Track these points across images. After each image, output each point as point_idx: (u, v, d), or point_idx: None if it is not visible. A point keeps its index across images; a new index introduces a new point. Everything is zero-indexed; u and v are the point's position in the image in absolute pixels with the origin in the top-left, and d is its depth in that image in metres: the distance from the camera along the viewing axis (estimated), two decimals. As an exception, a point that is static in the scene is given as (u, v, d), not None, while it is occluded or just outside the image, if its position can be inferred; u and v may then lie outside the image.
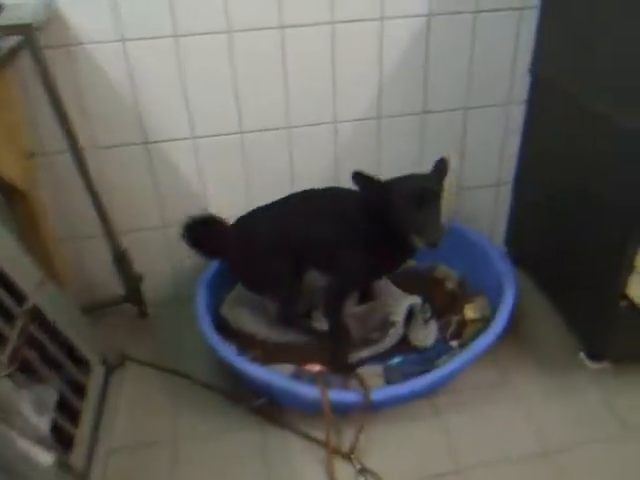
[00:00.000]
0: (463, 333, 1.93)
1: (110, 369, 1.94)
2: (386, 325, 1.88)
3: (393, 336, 1.86)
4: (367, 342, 1.90)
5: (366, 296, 2.06)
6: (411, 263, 2.26)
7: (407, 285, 2.11)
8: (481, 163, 2.29)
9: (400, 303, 1.91)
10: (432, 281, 2.19)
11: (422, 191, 1.50)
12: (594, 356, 1.93)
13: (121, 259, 1.99)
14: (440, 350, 1.87)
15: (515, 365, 1.95)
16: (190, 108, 1.93)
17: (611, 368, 1.91)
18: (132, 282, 2.06)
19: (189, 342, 2.04)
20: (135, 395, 1.92)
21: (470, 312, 2.00)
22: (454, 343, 1.89)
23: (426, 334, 1.89)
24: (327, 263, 1.83)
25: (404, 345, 1.89)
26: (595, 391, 1.86)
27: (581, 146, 1.80)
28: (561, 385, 1.89)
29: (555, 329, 2.09)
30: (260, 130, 2.02)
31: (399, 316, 1.87)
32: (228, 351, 1.74)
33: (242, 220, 1.89)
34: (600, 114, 1.61)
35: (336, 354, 1.84)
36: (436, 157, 1.66)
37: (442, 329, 1.93)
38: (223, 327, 1.96)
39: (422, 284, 2.16)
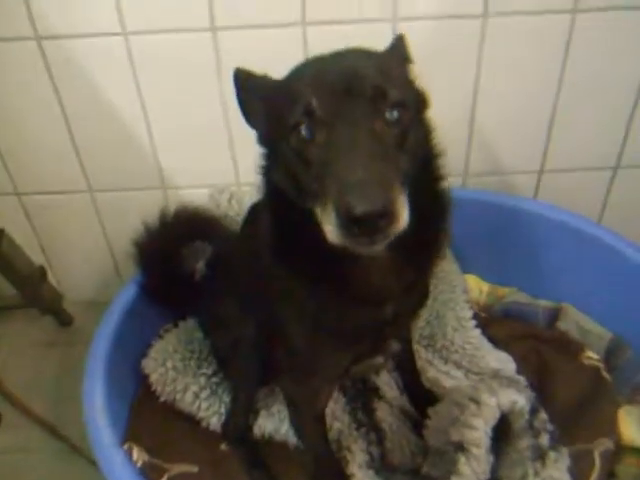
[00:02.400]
0: (614, 474, 0.92)
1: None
2: (449, 453, 0.89)
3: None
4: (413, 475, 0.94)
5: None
6: (512, 295, 1.26)
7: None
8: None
9: (482, 407, 0.89)
10: (555, 344, 1.15)
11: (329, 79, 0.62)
12: None
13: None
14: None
15: None
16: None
17: None
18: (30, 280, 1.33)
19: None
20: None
21: (629, 427, 0.97)
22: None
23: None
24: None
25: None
26: None
27: None
28: None
29: None
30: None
31: (478, 437, 0.87)
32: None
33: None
34: None
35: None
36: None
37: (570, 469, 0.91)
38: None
39: (533, 350, 1.14)
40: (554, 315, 1.20)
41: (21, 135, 1.25)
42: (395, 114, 0.60)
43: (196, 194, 1.31)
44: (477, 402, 0.87)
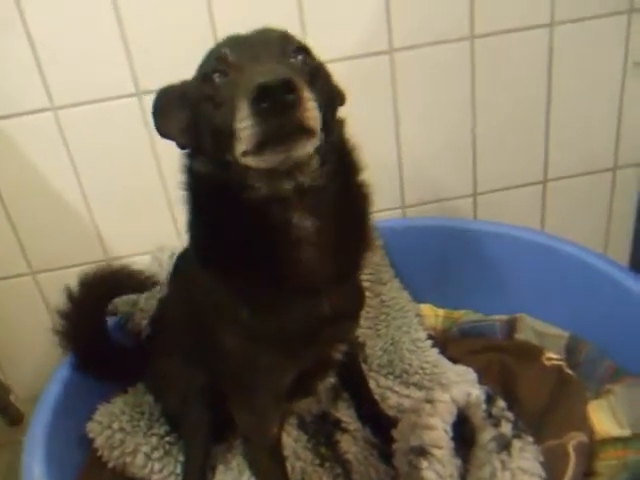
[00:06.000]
0: (595, 472, 0.87)
1: None
2: (412, 460, 0.84)
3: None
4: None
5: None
6: (468, 315, 1.25)
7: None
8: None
9: (437, 404, 0.85)
10: (515, 352, 1.12)
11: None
12: None
13: None
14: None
15: None
16: None
17: None
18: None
19: None
20: None
21: (602, 420, 0.93)
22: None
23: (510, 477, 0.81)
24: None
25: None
26: None
27: None
28: None
29: None
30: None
31: (438, 437, 0.82)
32: None
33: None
34: None
35: None
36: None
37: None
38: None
39: (494, 360, 1.12)
40: (511, 327, 1.18)
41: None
42: (300, 58, 0.64)
43: (140, 260, 1.30)
44: (431, 401, 0.83)
